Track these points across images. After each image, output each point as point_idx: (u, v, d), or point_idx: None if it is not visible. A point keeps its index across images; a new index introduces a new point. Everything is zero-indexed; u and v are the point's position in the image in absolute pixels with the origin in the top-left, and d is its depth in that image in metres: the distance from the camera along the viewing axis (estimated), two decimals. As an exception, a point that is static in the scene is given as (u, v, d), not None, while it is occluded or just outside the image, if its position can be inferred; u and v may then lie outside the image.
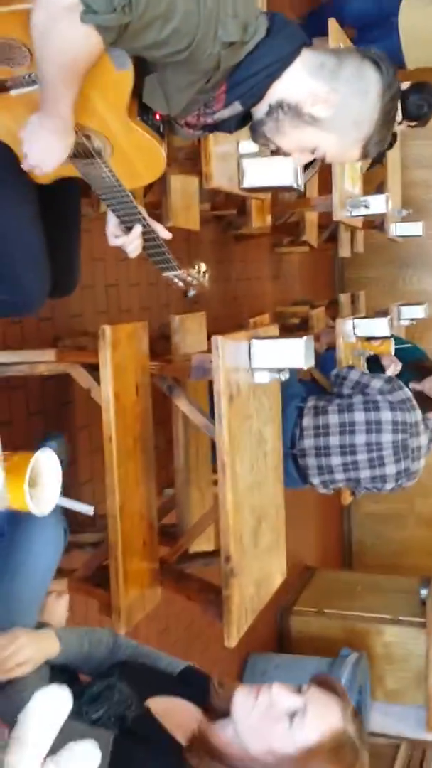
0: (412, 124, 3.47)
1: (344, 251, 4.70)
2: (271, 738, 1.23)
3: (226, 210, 3.35)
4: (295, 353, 2.26)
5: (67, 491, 1.51)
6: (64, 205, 1.67)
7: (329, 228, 4.74)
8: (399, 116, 3.21)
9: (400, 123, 3.38)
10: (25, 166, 1.38)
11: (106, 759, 1.16)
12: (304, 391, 3.33)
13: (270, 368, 2.28)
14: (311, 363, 2.30)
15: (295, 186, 2.25)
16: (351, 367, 3.23)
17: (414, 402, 3.00)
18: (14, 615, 1.36)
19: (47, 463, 1.05)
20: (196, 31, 1.17)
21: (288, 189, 2.31)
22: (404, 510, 6.61)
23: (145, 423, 2.30)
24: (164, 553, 2.50)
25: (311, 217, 4.10)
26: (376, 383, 3.02)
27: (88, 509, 1.18)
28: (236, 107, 1.37)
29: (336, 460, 2.97)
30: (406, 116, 3.27)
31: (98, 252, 2.93)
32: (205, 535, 2.73)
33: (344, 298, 4.69)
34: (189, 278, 1.78)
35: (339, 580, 5.57)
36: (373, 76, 1.31)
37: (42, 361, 2.28)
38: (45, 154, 1.33)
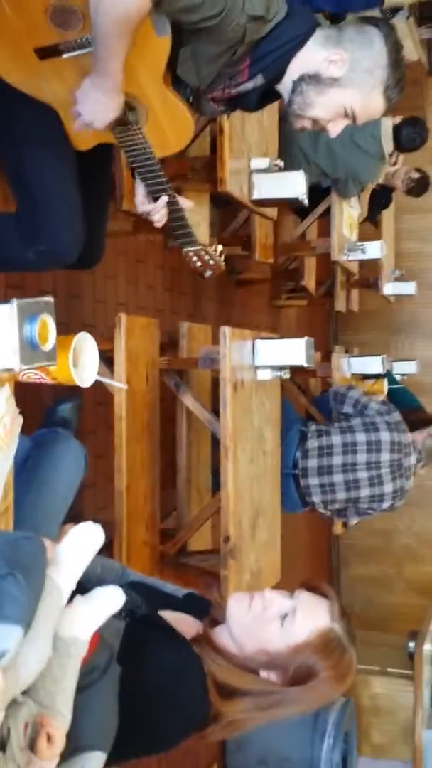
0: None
1: (340, 305, 4.92)
2: (263, 638, 1.32)
3: (232, 245, 3.56)
4: (296, 352, 2.42)
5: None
6: (95, 180, 1.84)
7: (326, 284, 4.97)
8: (391, 147, 3.45)
9: (393, 159, 3.62)
10: (77, 125, 1.55)
11: (117, 643, 1.25)
12: (303, 421, 3.48)
13: (272, 366, 2.44)
14: (311, 363, 2.45)
15: (300, 198, 2.45)
16: (351, 387, 3.39)
17: (405, 425, 3.17)
18: (39, 524, 1.46)
19: (87, 344, 1.18)
20: (226, 1, 1.38)
21: (295, 201, 2.52)
22: (393, 575, 6.63)
23: (153, 413, 2.43)
24: (164, 548, 2.58)
25: (310, 263, 4.33)
26: (374, 405, 3.19)
27: (122, 385, 1.30)
28: (258, 80, 1.57)
29: (338, 478, 3.11)
30: (400, 148, 3.52)
31: (111, 271, 3.13)
32: (202, 538, 2.82)
33: (339, 348, 4.87)
34: (206, 257, 1.94)
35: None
36: (372, 29, 1.53)
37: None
38: (97, 112, 1.50)
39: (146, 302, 3.41)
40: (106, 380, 1.23)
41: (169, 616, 1.43)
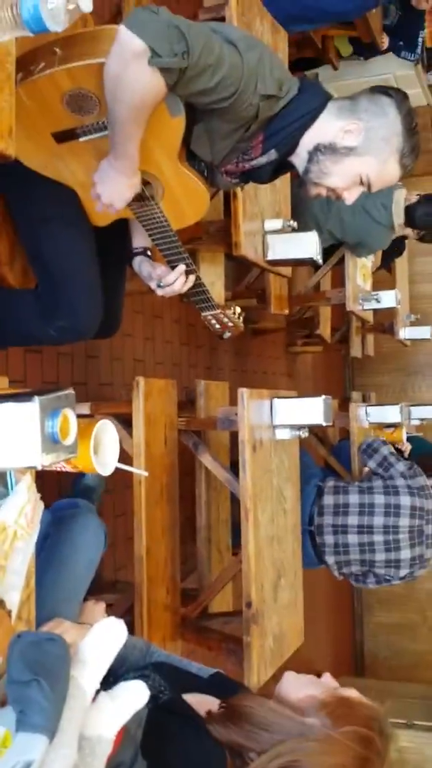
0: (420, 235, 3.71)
1: (355, 351, 4.92)
2: (316, 687, 1.31)
3: (247, 298, 3.57)
4: (315, 411, 2.40)
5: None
6: (112, 252, 1.86)
7: (341, 330, 4.98)
8: (402, 218, 3.46)
9: (406, 231, 3.65)
10: (98, 207, 1.57)
11: (140, 732, 1.23)
12: (322, 474, 3.44)
13: (291, 425, 2.42)
14: (329, 421, 2.43)
15: (314, 258, 2.46)
16: (385, 442, 3.35)
17: (431, 490, 3.10)
18: (59, 604, 1.45)
19: (108, 432, 1.18)
20: (239, 82, 1.40)
21: (308, 262, 2.53)
22: (417, 621, 6.52)
23: (171, 476, 2.42)
24: (185, 611, 2.55)
25: (325, 312, 4.34)
26: (400, 466, 3.14)
27: (143, 473, 1.29)
28: (272, 155, 1.58)
29: (353, 539, 3.04)
30: (413, 226, 3.54)
31: (127, 329, 3.15)
32: (224, 598, 2.78)
33: (356, 395, 4.85)
34: (225, 319, 1.95)
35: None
36: (385, 98, 1.56)
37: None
38: (115, 194, 1.53)
39: (163, 357, 3.42)
40: (126, 467, 1.23)
41: (193, 699, 1.41)
